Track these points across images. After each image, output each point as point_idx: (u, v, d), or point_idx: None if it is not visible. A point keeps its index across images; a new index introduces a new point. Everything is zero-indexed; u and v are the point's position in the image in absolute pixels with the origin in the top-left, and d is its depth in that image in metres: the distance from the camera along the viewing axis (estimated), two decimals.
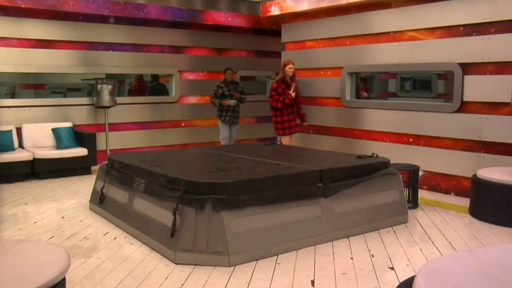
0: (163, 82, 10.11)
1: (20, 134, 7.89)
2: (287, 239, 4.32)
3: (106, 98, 8.27)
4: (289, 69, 7.53)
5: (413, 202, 5.92)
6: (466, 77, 6.41)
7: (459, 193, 6.58)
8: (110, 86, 8.24)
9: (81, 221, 5.39)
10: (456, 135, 6.55)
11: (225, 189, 4.08)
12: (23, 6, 7.60)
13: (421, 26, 6.91)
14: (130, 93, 10.03)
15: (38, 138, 7.95)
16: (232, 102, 8.43)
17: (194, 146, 8.77)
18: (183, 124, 9.82)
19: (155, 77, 9.93)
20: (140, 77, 9.92)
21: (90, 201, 5.92)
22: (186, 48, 9.70)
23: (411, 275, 2.89)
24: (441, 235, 4.90)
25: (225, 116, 8.59)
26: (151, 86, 9.95)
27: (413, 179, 5.95)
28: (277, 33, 9.73)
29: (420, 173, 7.00)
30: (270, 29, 10.26)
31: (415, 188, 5.96)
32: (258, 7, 9.70)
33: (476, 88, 6.33)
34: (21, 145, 7.88)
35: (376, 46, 7.57)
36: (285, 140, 7.71)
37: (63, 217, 5.53)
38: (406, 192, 5.79)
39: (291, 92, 7.49)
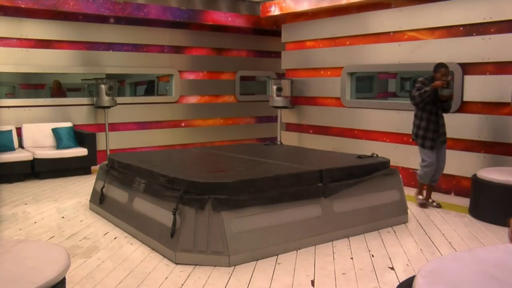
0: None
1: (20, 134, 7.89)
2: (287, 239, 4.32)
3: (104, 98, 8.27)
4: None
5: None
6: (466, 77, 6.40)
7: (459, 193, 6.58)
8: (106, 86, 8.23)
9: (81, 221, 5.39)
10: (456, 135, 6.55)
11: (225, 189, 4.08)
12: (23, 6, 7.60)
13: (421, 26, 6.90)
14: (52, 96, 9.80)
15: (38, 138, 7.95)
16: (447, 91, 5.73)
17: (194, 146, 8.77)
18: (183, 124, 9.82)
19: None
20: (58, 83, 9.82)
21: (90, 201, 5.92)
22: (186, 48, 9.70)
23: (411, 275, 2.89)
24: (441, 235, 4.90)
25: (428, 139, 5.81)
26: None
27: None
28: (277, 33, 9.73)
29: None
30: (270, 29, 10.26)
31: None
32: (258, 7, 9.70)
33: (476, 88, 6.33)
34: (21, 145, 7.88)
35: (376, 46, 7.57)
36: None
37: (63, 217, 5.53)
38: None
39: None
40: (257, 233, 4.15)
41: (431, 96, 5.64)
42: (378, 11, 7.49)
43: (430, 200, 6.08)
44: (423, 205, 5.99)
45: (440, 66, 5.83)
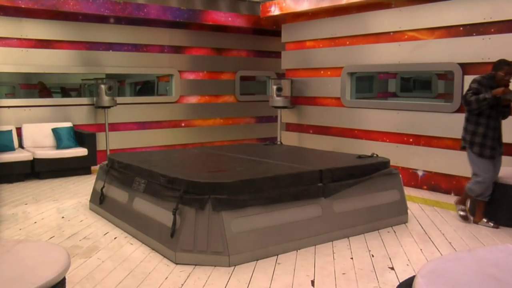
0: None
1: (20, 134, 7.89)
2: (287, 239, 4.32)
3: (104, 98, 8.28)
4: None
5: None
6: (466, 77, 6.39)
7: (459, 193, 6.56)
8: (106, 86, 8.23)
9: (81, 221, 5.39)
10: (456, 135, 6.51)
11: (225, 189, 4.08)
12: (23, 6, 7.60)
13: (421, 26, 6.90)
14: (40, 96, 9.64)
15: (38, 138, 7.95)
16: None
17: (194, 146, 8.77)
18: (183, 124, 9.82)
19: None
20: (42, 84, 9.70)
21: (90, 201, 5.92)
22: (186, 48, 9.70)
23: (411, 275, 2.90)
24: (441, 235, 4.89)
25: (488, 148, 4.96)
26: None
27: None
28: (277, 33, 9.73)
29: (420, 173, 7.02)
30: (270, 29, 10.26)
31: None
32: (258, 7, 9.70)
33: None
34: (21, 145, 7.88)
35: (376, 46, 7.57)
36: None
37: (63, 217, 5.53)
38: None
39: None
40: (257, 233, 4.16)
41: (491, 104, 4.78)
42: (378, 11, 7.49)
43: (485, 220, 5.17)
44: (465, 218, 5.32)
45: (503, 63, 4.87)
